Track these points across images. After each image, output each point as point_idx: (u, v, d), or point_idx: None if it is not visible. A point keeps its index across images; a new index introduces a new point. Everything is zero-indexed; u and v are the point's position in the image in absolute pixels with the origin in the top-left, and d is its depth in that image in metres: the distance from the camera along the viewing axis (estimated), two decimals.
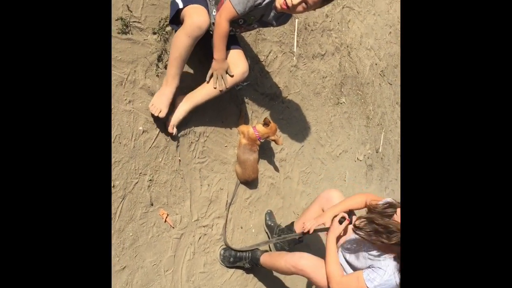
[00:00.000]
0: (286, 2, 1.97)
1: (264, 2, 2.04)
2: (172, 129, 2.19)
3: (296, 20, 3.10)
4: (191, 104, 2.20)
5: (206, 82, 2.19)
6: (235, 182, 2.64)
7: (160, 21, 2.18)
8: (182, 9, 2.02)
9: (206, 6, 2.06)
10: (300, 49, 3.15)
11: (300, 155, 3.20)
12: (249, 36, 2.71)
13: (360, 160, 3.94)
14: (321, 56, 3.38)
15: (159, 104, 2.10)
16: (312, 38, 3.27)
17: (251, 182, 2.71)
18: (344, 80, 3.68)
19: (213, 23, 2.11)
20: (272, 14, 2.12)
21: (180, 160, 2.29)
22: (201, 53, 2.28)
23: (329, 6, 3.47)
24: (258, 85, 2.81)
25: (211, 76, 2.17)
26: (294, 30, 3.09)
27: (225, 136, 2.58)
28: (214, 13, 2.11)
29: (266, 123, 2.57)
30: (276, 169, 2.96)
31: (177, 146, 2.27)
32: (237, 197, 2.64)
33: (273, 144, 2.92)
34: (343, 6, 3.65)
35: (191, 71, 2.33)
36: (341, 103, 3.66)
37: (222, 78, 2.17)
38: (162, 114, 2.11)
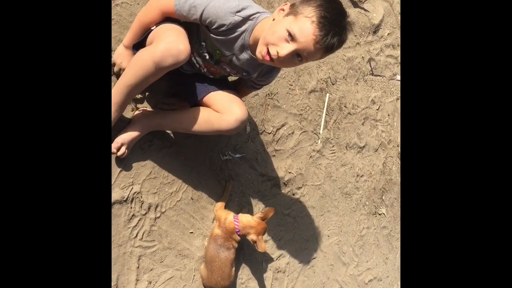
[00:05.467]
0: (269, 52, 1.35)
1: (229, 33, 1.45)
2: (116, 148, 1.57)
3: (328, 94, 2.44)
4: (154, 125, 1.66)
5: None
6: (196, 286, 1.86)
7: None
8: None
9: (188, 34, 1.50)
10: (329, 133, 2.47)
11: (308, 270, 2.35)
12: (254, 97, 2.09)
13: None
14: (358, 148, 2.66)
15: None
16: (348, 124, 2.59)
17: None
18: (388, 186, 2.88)
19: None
20: (245, 56, 1.50)
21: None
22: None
23: (379, 92, 2.81)
24: (258, 162, 2.12)
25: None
26: (323, 106, 2.43)
27: (193, 218, 1.87)
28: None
29: (265, 216, 1.84)
30: (268, 283, 2.14)
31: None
32: None
33: (268, 245, 2.15)
34: (397, 97, 2.98)
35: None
36: (379, 214, 2.82)
37: (121, 70, 1.58)
38: None
